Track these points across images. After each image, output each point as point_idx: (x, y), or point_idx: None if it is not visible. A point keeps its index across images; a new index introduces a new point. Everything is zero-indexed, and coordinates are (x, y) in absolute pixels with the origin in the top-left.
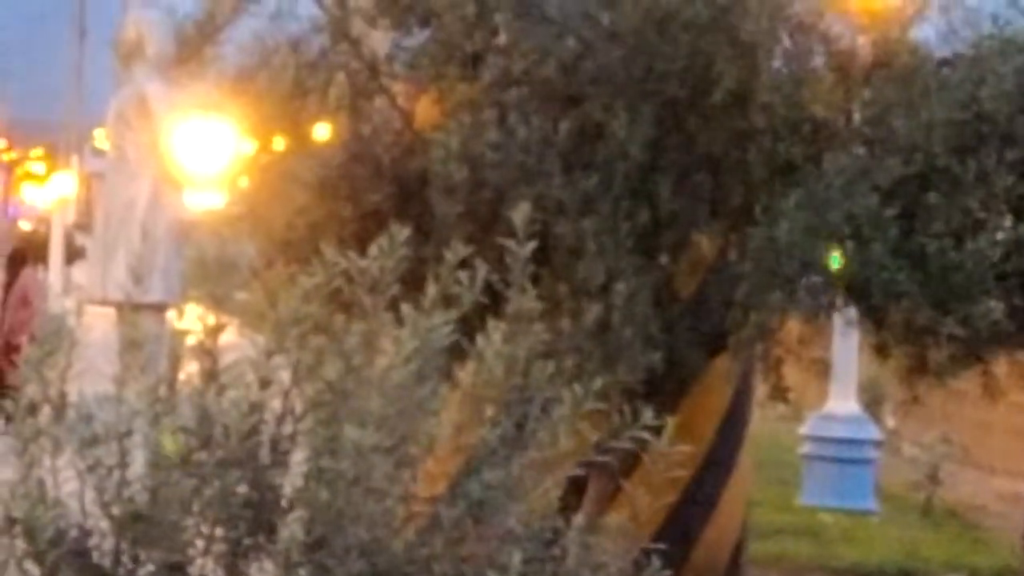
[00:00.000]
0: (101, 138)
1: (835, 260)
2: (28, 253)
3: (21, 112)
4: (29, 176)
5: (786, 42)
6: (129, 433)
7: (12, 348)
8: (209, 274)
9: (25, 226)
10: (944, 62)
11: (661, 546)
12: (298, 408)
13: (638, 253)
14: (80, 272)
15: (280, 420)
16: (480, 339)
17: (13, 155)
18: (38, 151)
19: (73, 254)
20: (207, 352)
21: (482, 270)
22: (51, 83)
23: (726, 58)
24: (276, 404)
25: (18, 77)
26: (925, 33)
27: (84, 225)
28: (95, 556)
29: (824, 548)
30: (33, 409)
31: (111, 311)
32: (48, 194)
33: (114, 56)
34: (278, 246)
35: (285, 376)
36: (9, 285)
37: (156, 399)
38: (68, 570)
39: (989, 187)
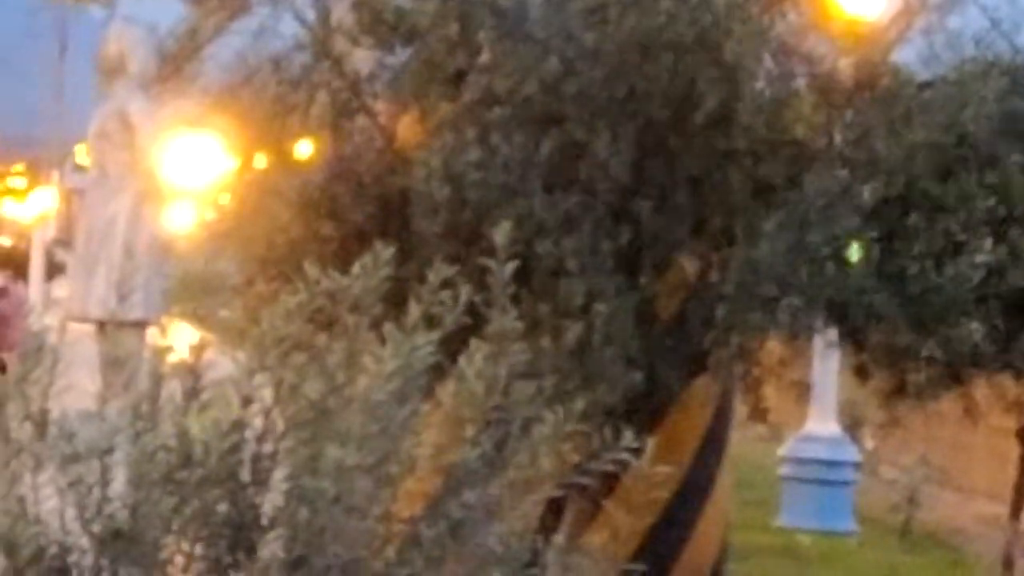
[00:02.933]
0: (82, 154)
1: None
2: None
3: (2, 127)
4: (9, 191)
5: (768, 63)
6: (110, 450)
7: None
8: (192, 291)
9: (5, 241)
10: (926, 85)
11: (640, 567)
12: (279, 427)
13: (619, 273)
14: (60, 288)
15: (261, 438)
16: (462, 359)
17: None
18: (19, 166)
19: (53, 270)
20: (189, 370)
21: (465, 290)
22: (32, 98)
23: (708, 79)
24: (257, 422)
25: None
26: (907, 56)
27: (64, 241)
28: (75, 574)
29: (803, 570)
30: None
31: (91, 327)
32: (29, 209)
33: (95, 72)
34: (259, 263)
35: (267, 394)
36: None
37: (138, 417)
38: None
39: (970, 210)
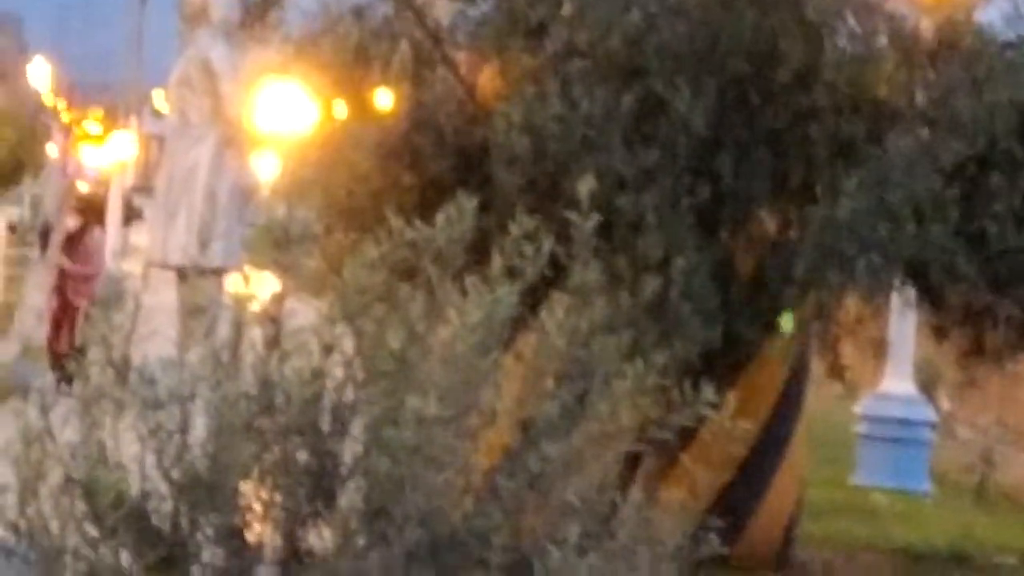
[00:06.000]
0: (160, 100)
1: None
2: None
3: (81, 73)
4: (87, 137)
5: (851, 22)
6: (191, 397)
7: (70, 307)
8: (272, 240)
9: (83, 187)
10: (1008, 45)
11: (719, 523)
12: (360, 376)
13: (698, 228)
14: (138, 234)
15: (342, 388)
16: (543, 311)
17: (72, 116)
18: (97, 112)
19: (131, 216)
20: (270, 318)
21: (547, 243)
22: (111, 44)
23: (791, 36)
24: (338, 372)
25: (78, 38)
26: (990, 16)
27: (142, 187)
28: (154, 519)
29: (877, 528)
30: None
31: (171, 275)
32: (107, 155)
33: (177, 19)
34: (339, 213)
35: (348, 344)
36: (76, 239)
37: (219, 364)
38: (127, 532)
39: None
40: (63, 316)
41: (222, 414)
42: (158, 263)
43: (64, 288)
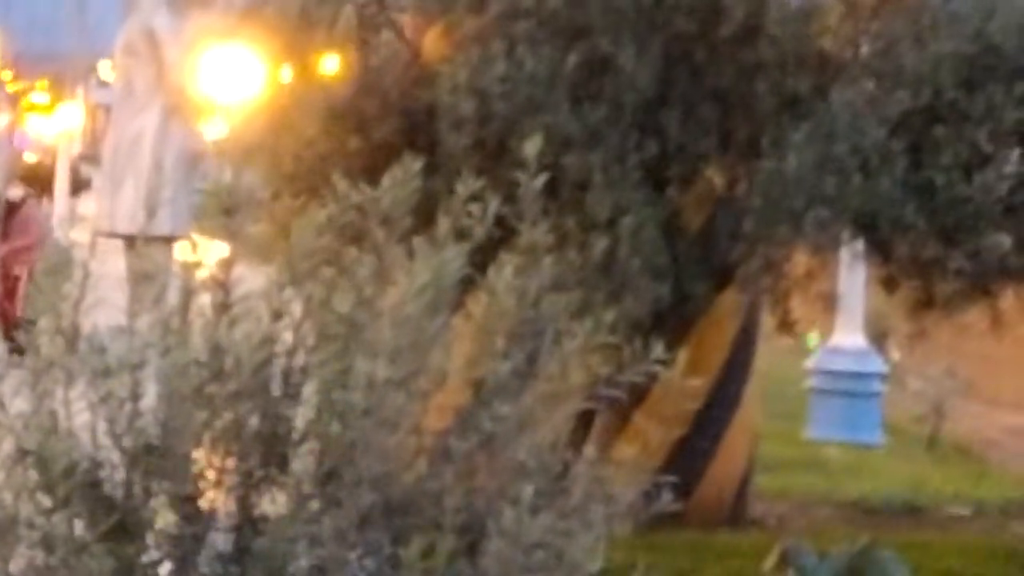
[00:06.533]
0: (106, 69)
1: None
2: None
3: (26, 43)
4: (34, 107)
5: None
6: (141, 365)
7: (11, 278)
8: (220, 206)
9: (30, 158)
10: None
11: (672, 479)
12: (310, 341)
13: (646, 186)
14: (86, 204)
15: (292, 352)
16: (492, 272)
17: (18, 86)
18: (43, 82)
19: (79, 185)
20: (219, 284)
21: (494, 203)
22: (55, 14)
23: None
24: (288, 337)
25: (22, 8)
26: None
27: (90, 156)
28: (107, 488)
29: (830, 481)
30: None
31: (119, 243)
32: (53, 125)
33: None
34: (286, 178)
35: (297, 308)
36: (13, 210)
37: (168, 331)
38: (80, 501)
39: (997, 120)
40: (6, 286)
41: (172, 381)
42: (105, 232)
43: (5, 259)
